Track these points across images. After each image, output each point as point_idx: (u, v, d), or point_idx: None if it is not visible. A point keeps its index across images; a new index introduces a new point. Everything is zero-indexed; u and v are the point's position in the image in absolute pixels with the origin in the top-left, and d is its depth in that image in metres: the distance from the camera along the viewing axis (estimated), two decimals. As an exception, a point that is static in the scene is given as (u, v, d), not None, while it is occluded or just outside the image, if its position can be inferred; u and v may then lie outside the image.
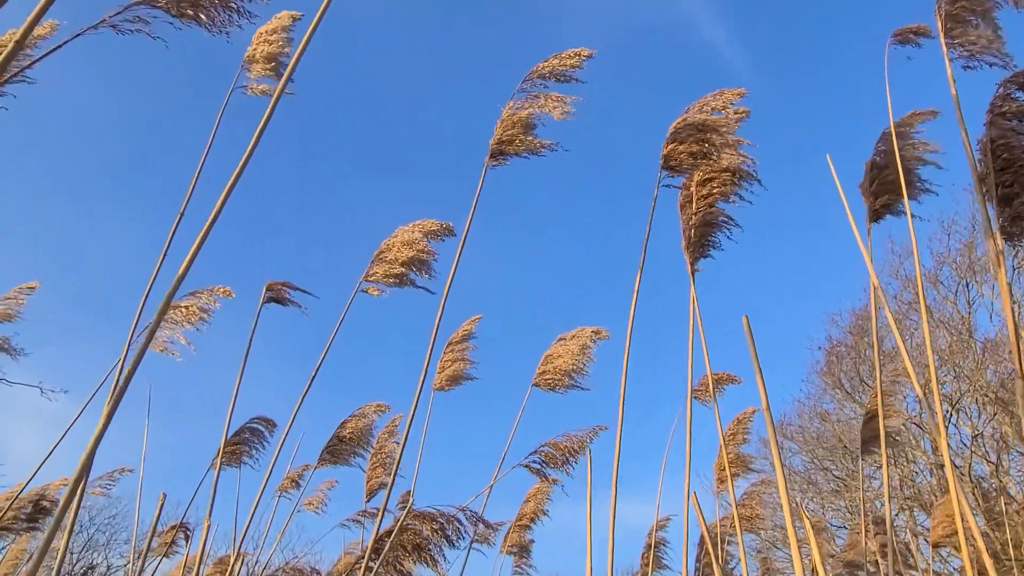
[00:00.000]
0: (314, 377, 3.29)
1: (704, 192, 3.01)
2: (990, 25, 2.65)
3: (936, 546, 4.93)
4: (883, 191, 3.00)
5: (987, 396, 15.99)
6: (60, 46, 2.05)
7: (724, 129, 2.90)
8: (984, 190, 2.49)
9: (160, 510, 3.69)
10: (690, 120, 2.91)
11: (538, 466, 3.47)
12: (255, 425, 4.46)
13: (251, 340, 3.57)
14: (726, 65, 26.25)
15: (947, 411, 17.02)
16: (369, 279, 3.40)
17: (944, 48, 2.74)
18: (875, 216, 3.06)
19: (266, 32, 3.14)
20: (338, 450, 4.26)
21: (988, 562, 2.62)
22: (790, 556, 16.93)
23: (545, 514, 4.81)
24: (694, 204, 3.01)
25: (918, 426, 17.41)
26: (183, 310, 3.60)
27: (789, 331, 22.58)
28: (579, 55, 2.99)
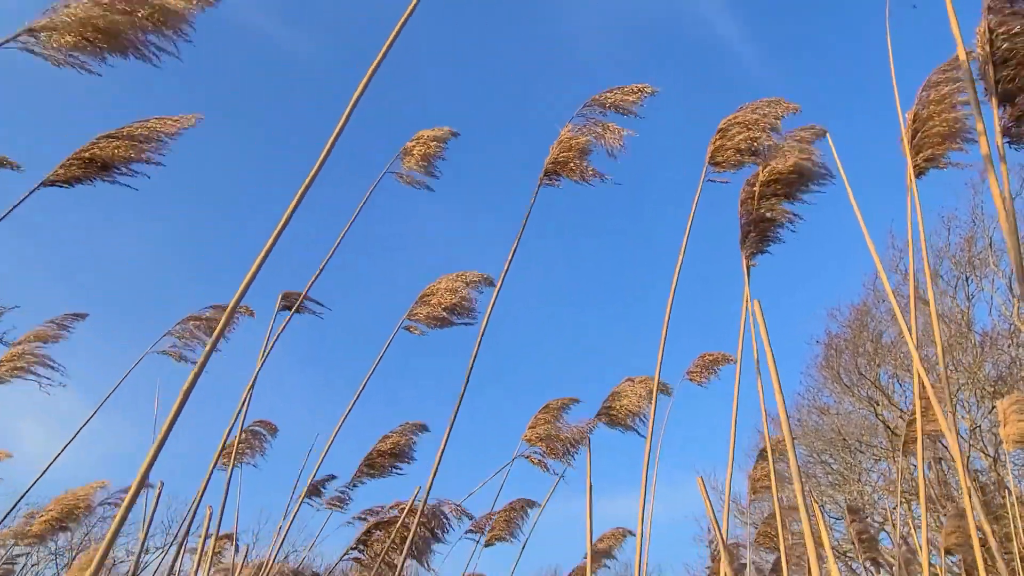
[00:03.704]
0: (353, 404, 3.30)
1: (768, 191, 2.99)
2: None
3: (948, 552, 4.97)
4: (927, 144, 2.81)
5: (985, 389, 16.04)
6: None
7: (773, 131, 2.90)
8: (985, 87, 2.21)
9: (158, 499, 3.69)
10: (740, 119, 2.92)
11: (540, 457, 3.59)
12: (256, 428, 4.52)
13: (267, 350, 3.58)
14: (737, 60, 26.18)
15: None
16: (411, 319, 3.60)
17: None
18: (918, 171, 2.87)
19: (428, 136, 3.56)
20: (377, 463, 4.34)
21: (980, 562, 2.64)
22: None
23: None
24: (756, 200, 2.99)
25: (916, 420, 17.43)
26: (204, 323, 3.70)
27: (788, 326, 22.62)
28: (642, 91, 3.06)
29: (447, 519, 3.18)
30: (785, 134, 2.94)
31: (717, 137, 2.94)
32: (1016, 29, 2.13)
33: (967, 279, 16.88)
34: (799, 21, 28.86)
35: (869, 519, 18.15)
